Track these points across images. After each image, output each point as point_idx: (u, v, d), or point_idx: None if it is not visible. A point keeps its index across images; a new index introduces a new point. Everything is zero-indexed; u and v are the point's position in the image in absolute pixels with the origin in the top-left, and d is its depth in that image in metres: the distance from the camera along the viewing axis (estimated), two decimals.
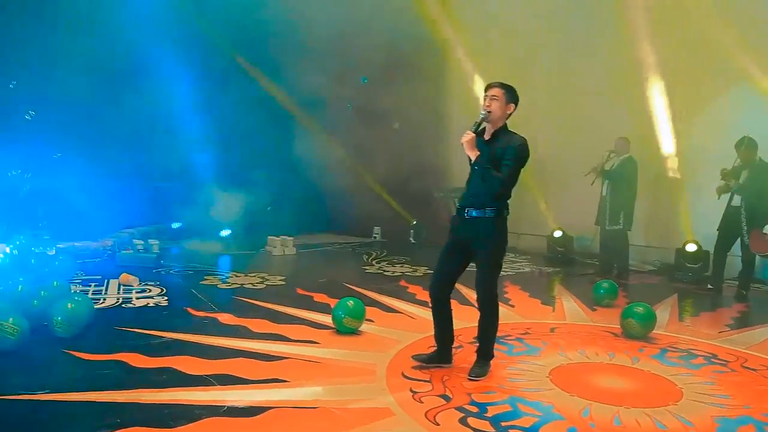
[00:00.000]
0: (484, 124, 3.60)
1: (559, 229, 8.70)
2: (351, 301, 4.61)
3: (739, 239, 6.37)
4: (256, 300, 5.54)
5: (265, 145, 9.57)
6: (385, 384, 3.52)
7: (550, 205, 8.93)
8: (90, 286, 5.85)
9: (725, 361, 4.17)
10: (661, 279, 7.50)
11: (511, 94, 3.60)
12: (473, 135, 3.52)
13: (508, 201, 3.67)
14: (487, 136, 3.65)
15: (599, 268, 7.63)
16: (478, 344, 3.79)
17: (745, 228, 6.25)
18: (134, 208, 8.28)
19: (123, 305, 5.22)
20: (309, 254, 8.91)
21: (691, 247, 7.25)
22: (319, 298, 5.71)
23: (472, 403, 3.26)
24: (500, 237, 3.65)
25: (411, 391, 3.41)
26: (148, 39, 7.91)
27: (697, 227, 7.36)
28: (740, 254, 6.43)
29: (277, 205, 9.73)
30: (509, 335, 4.60)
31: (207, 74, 8.88)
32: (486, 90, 3.63)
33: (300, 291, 6.03)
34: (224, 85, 9.11)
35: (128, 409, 3.03)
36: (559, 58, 8.91)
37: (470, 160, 3.59)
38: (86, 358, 3.75)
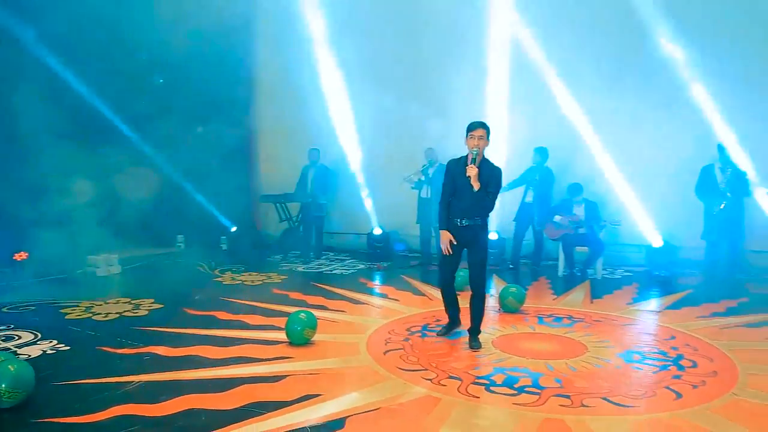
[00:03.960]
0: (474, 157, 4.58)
1: (378, 227, 9.80)
2: (303, 314, 4.87)
3: (530, 226, 8.36)
4: (158, 327, 5.25)
5: None
6: (400, 378, 4.03)
7: (371, 206, 9.93)
8: None
9: (581, 318, 5.73)
10: None
11: (488, 132, 4.59)
12: (477, 168, 4.47)
13: None
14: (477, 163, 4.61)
15: (422, 260, 8.97)
16: (472, 324, 4.78)
17: (536, 218, 8.22)
18: None
19: None
20: (141, 270, 8.27)
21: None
22: (226, 316, 5.69)
23: (481, 377, 4.04)
24: (487, 239, 4.72)
25: (423, 379, 4.01)
26: None
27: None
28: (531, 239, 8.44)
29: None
30: (429, 324, 5.45)
31: None
32: (472, 130, 4.54)
33: (191, 311, 5.86)
34: None
35: None
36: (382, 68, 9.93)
37: (468, 182, 4.54)
38: None
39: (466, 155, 4.67)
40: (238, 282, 7.61)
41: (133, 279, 7.70)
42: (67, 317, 5.64)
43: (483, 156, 4.66)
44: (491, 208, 4.65)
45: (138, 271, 8.19)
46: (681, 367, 4.27)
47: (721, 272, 7.14)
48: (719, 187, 7.23)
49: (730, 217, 7.18)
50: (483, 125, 4.58)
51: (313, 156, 9.71)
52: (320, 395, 3.69)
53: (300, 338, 4.72)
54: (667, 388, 3.87)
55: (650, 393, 3.79)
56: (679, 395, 3.74)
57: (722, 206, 7.13)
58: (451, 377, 4.05)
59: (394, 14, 9.57)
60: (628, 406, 3.57)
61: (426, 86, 9.24)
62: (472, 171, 4.49)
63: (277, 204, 9.93)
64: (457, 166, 4.69)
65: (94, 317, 5.66)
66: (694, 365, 4.31)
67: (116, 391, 3.71)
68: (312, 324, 4.79)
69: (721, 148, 7.27)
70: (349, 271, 8.46)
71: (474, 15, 8.92)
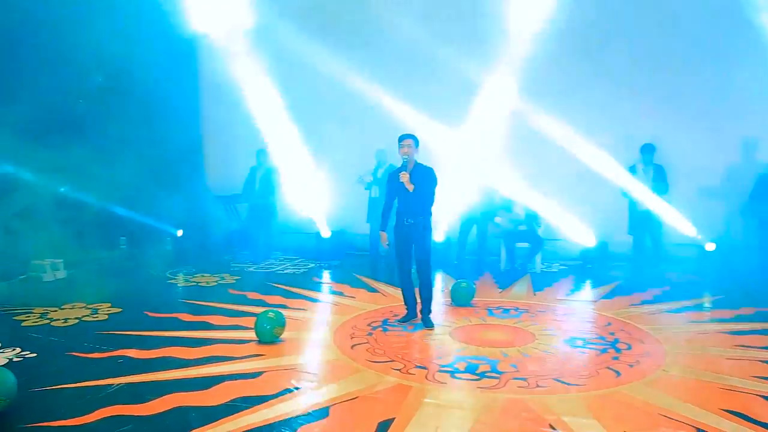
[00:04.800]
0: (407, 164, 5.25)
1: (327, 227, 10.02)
2: (272, 313, 5.07)
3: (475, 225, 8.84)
4: (123, 331, 5.30)
5: None
6: (371, 370, 4.32)
7: (319, 206, 10.13)
8: None
9: (526, 309, 6.21)
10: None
11: (417, 141, 5.33)
12: (407, 174, 5.15)
13: None
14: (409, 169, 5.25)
15: (371, 258, 9.27)
16: (424, 307, 5.50)
17: (480, 217, 8.71)
18: None
19: None
20: (88, 274, 8.09)
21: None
22: (189, 318, 5.79)
23: (445, 365, 4.39)
24: (430, 235, 5.45)
25: (393, 369, 4.33)
26: None
27: None
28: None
29: None
30: (389, 319, 5.77)
31: None
32: (402, 141, 5.27)
33: (153, 314, 5.93)
34: None
35: None
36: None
37: (396, 188, 5.28)
38: None
39: (403, 163, 5.34)
40: (192, 283, 7.67)
41: (83, 283, 7.56)
42: (23, 324, 5.58)
43: (415, 161, 5.28)
44: (430, 203, 5.35)
45: (85, 276, 8.03)
46: (618, 350, 4.79)
47: (646, 264, 7.85)
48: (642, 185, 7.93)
49: (651, 212, 7.90)
50: (411, 136, 5.33)
51: (261, 157, 9.83)
52: (300, 388, 3.94)
53: (270, 336, 4.93)
54: (608, 368, 4.37)
55: (594, 373, 4.27)
56: (618, 373, 4.24)
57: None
58: (418, 367, 4.39)
59: (347, 13, 9.80)
60: (576, 385, 4.02)
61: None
62: (404, 177, 5.22)
63: (227, 205, 9.95)
64: (394, 174, 5.38)
65: (53, 323, 5.62)
66: (629, 347, 4.85)
67: (98, 394, 3.81)
68: (281, 322, 5.00)
69: (642, 150, 7.96)
70: (301, 270, 8.66)
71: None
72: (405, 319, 5.61)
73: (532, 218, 8.41)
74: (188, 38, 10.26)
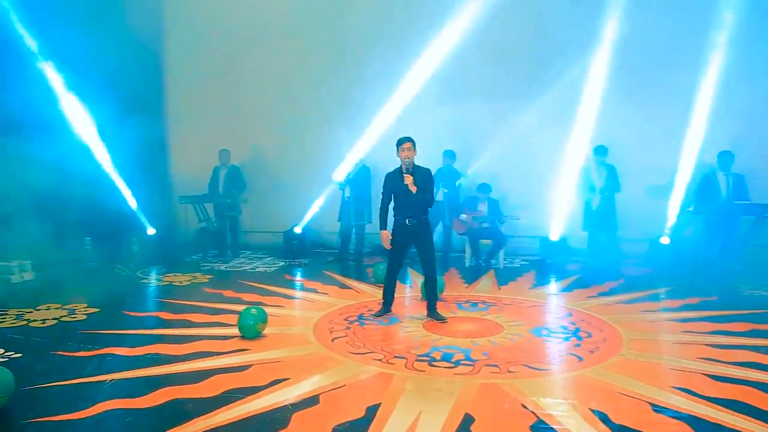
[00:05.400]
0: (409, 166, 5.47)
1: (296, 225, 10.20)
2: (254, 309, 5.27)
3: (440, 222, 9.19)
4: (106, 330, 5.41)
5: None
6: (353, 361, 4.58)
7: (288, 205, 10.28)
8: None
9: (493, 303, 6.58)
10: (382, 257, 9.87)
11: (414, 144, 5.42)
12: (411, 176, 5.32)
13: None
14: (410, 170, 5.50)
15: (338, 255, 9.50)
16: (430, 303, 5.80)
17: (447, 214, 9.07)
18: None
19: None
20: (57, 275, 8.05)
21: None
22: (170, 316, 5.92)
23: (423, 354, 4.69)
24: (431, 231, 5.77)
25: (374, 360, 4.60)
26: None
27: None
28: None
29: None
30: (364, 314, 6.04)
31: None
32: (401, 144, 5.43)
33: (132, 313, 6.03)
34: None
35: None
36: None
37: (407, 188, 5.43)
38: None
39: (400, 166, 5.50)
40: (165, 283, 7.75)
41: (53, 284, 7.55)
42: (0, 326, 5.59)
43: (414, 163, 5.44)
44: (431, 203, 5.61)
45: (54, 277, 7.99)
46: (579, 338, 5.19)
47: (601, 258, 8.36)
48: (594, 184, 8.43)
49: (605, 210, 8.41)
50: (409, 139, 5.51)
51: (224, 157, 9.97)
52: (288, 379, 4.17)
53: (253, 332, 5.13)
54: (571, 354, 4.76)
55: (559, 359, 4.65)
56: (580, 359, 4.63)
57: (596, 202, 8.36)
58: (397, 357, 4.67)
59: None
60: (544, 370, 4.39)
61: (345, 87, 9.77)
62: (408, 179, 5.43)
63: (195, 204, 10.01)
64: (393, 176, 5.56)
65: (31, 324, 5.66)
66: (589, 335, 5.26)
67: (94, 390, 3.95)
68: (263, 318, 5.21)
69: (596, 151, 8.46)
70: (272, 269, 8.83)
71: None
72: (380, 314, 5.86)
73: (496, 216, 8.82)
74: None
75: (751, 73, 8.31)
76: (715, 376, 4.18)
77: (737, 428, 3.36)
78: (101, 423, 3.47)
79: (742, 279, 7.32)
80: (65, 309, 6.19)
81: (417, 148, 5.54)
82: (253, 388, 3.97)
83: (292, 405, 3.70)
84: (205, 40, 10.37)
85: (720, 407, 3.63)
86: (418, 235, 5.60)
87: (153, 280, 7.95)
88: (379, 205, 5.72)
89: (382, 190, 5.68)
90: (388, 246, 5.65)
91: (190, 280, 7.88)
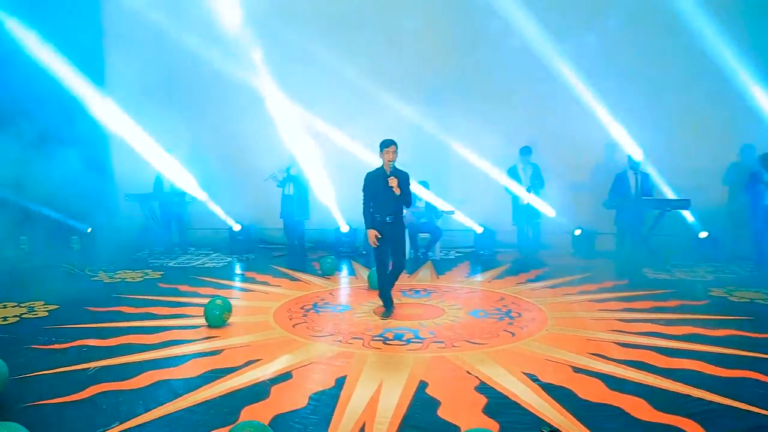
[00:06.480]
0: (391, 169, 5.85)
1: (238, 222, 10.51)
2: (219, 300, 5.68)
3: None
4: (72, 325, 5.63)
5: None
6: (315, 342, 5.10)
7: (234, 203, 10.57)
8: None
9: (433, 290, 7.25)
10: (327, 251, 10.37)
11: (397, 147, 5.84)
12: (396, 178, 5.74)
13: None
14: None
15: (287, 249, 9.93)
16: (388, 288, 6.13)
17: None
18: None
19: None
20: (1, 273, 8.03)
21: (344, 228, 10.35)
22: (132, 310, 6.20)
23: (378, 335, 5.26)
24: (404, 229, 6.20)
25: (334, 341, 5.14)
26: None
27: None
28: None
29: None
30: (318, 303, 6.55)
31: None
32: (387, 147, 5.78)
33: (94, 309, 6.26)
34: None
35: None
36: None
37: (388, 188, 5.77)
38: None
39: (381, 167, 5.88)
40: (117, 279, 7.93)
41: (2, 283, 7.57)
42: None
43: (393, 165, 5.89)
44: (410, 203, 6.10)
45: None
46: (511, 317, 5.94)
47: (528, 249, 9.24)
48: (522, 182, 9.31)
49: (531, 205, 9.30)
50: (394, 142, 5.82)
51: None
52: (261, 359, 4.65)
53: (219, 321, 5.54)
54: (505, 330, 5.48)
55: (495, 335, 5.35)
56: (513, 334, 5.36)
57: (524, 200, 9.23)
58: (354, 338, 5.24)
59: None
60: (483, 344, 5.07)
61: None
62: (393, 182, 5.76)
63: (143, 203, 10.13)
64: (376, 177, 5.87)
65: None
66: (520, 315, 6.02)
67: (80, 376, 4.27)
68: (228, 308, 5.63)
69: (521, 151, 9.31)
70: (221, 264, 9.15)
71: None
72: (387, 314, 5.98)
73: (432, 211, 9.53)
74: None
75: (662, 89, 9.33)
76: (623, 343, 5.01)
77: (640, 381, 4.16)
78: (96, 403, 3.82)
79: (648, 264, 8.37)
80: (23, 307, 6.32)
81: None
82: (230, 369, 4.42)
83: (269, 380, 4.19)
84: (146, 39, 10.42)
85: (627, 367, 4.43)
86: (396, 232, 5.96)
87: (104, 277, 8.09)
88: (363, 207, 5.99)
89: (362, 190, 5.94)
90: (375, 244, 5.88)
91: (142, 277, 8.09)
